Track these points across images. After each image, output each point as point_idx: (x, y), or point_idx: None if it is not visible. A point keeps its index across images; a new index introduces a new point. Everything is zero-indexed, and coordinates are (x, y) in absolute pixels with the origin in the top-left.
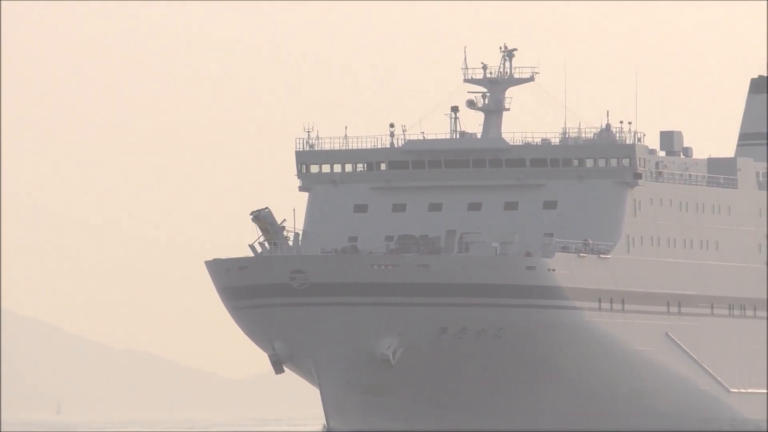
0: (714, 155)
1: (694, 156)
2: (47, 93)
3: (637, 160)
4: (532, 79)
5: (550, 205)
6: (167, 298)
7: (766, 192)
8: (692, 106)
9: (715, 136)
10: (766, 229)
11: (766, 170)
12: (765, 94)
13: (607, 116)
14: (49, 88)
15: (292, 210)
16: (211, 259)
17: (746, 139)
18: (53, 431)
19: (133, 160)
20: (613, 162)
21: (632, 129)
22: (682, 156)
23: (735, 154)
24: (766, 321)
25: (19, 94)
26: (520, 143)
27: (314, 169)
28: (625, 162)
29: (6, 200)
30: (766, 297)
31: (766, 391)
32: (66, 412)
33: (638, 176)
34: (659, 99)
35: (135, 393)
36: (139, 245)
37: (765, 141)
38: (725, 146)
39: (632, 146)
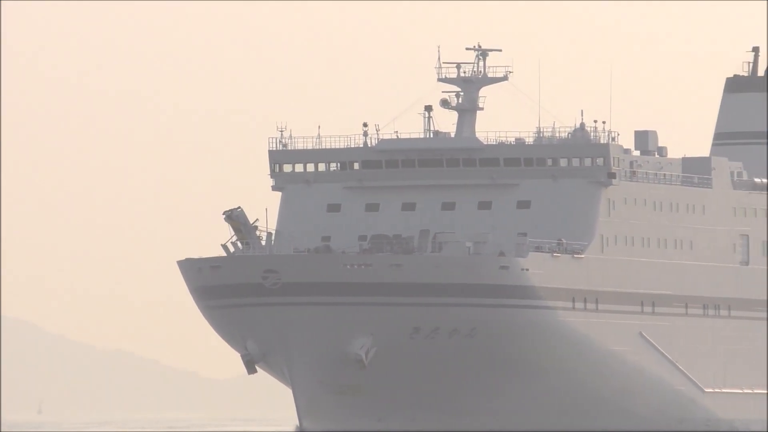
0: (689, 155)
1: (669, 156)
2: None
3: (611, 159)
4: (506, 78)
5: (523, 204)
6: (149, 298)
7: (740, 191)
8: (667, 106)
9: (690, 135)
10: (740, 228)
11: (741, 170)
12: (740, 94)
13: (582, 116)
14: (20, 87)
15: (265, 209)
16: (183, 258)
17: (721, 138)
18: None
19: (111, 161)
20: (587, 161)
21: (606, 128)
22: (656, 156)
23: (710, 154)
24: (740, 321)
25: None
26: (494, 143)
27: (287, 168)
28: (599, 161)
29: None
30: (740, 296)
31: (741, 391)
32: (47, 412)
33: (612, 176)
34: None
35: (117, 393)
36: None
37: (740, 141)
38: (700, 146)
39: (606, 146)
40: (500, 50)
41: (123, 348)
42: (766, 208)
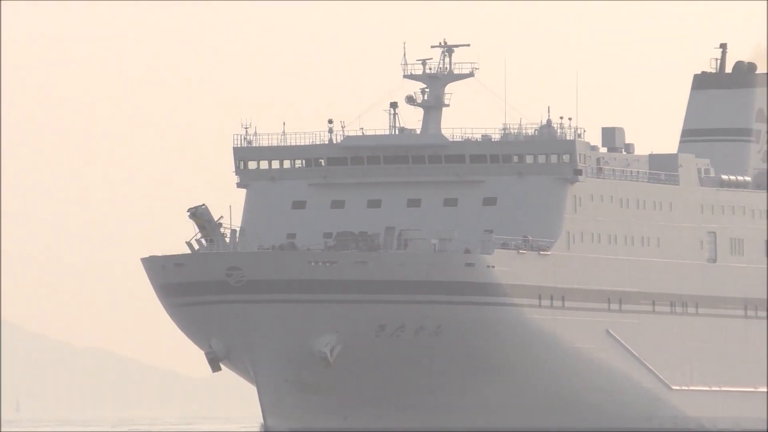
0: (657, 152)
1: (637, 153)
2: None
3: (578, 156)
4: (471, 74)
5: (489, 201)
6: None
7: (707, 188)
8: (635, 103)
9: (658, 132)
10: (707, 225)
11: (708, 166)
12: (708, 91)
13: (549, 112)
14: None
15: (229, 207)
16: (147, 256)
17: (689, 135)
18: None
19: (83, 159)
20: (554, 158)
21: (573, 125)
22: (624, 152)
23: (678, 151)
24: (708, 318)
25: None
26: (460, 139)
27: (252, 165)
28: (566, 158)
29: None
30: (707, 294)
31: (708, 388)
32: (25, 410)
33: (578, 172)
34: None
35: (94, 391)
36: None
37: (708, 137)
38: (668, 143)
39: (572, 142)
40: (468, 45)
41: (101, 346)
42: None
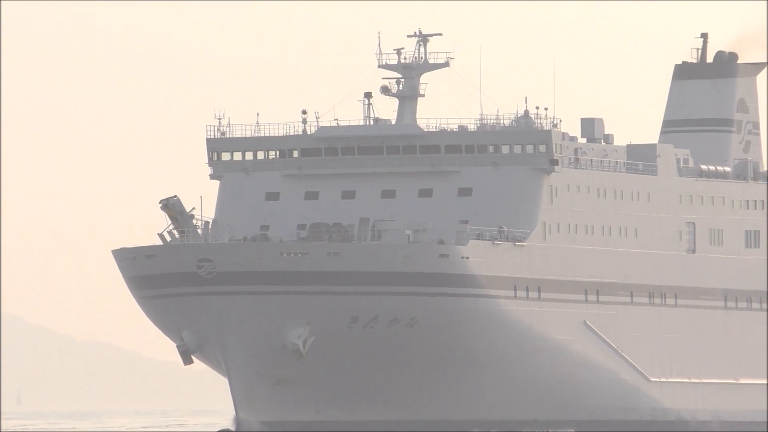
0: (636, 143)
1: (616, 143)
2: None
3: (554, 146)
4: (447, 64)
5: (465, 192)
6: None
7: (687, 179)
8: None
9: (638, 123)
10: (686, 216)
11: (687, 156)
12: (689, 81)
13: (526, 102)
14: None
15: (200, 197)
16: (118, 248)
17: (670, 126)
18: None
19: (64, 148)
20: (529, 148)
21: (548, 115)
22: (603, 143)
23: (659, 142)
24: (687, 309)
25: None
26: (436, 130)
27: (225, 156)
28: (542, 148)
29: None
30: (686, 285)
31: (687, 380)
32: (27, 402)
33: (554, 162)
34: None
35: (95, 383)
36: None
37: (689, 128)
38: (649, 134)
39: (548, 132)
40: (440, 34)
41: (102, 339)
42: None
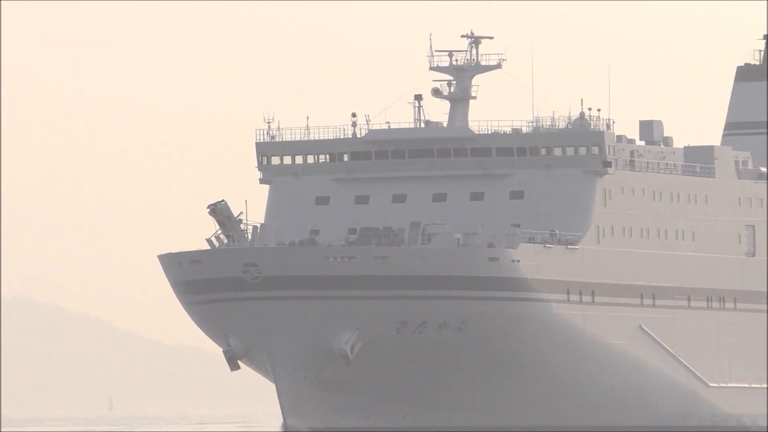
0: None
1: (675, 146)
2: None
3: (606, 147)
4: (499, 66)
5: (516, 195)
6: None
7: (745, 181)
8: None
9: (700, 126)
10: (745, 218)
11: (747, 159)
12: (751, 83)
13: (581, 104)
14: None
15: (245, 202)
16: (165, 253)
17: (732, 128)
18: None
19: (104, 157)
20: (582, 150)
21: (602, 116)
22: (661, 146)
23: (721, 144)
24: (746, 314)
25: None
26: (488, 132)
27: (275, 160)
28: (594, 150)
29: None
30: (745, 288)
31: (747, 385)
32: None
33: (608, 164)
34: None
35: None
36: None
37: (751, 131)
38: (711, 136)
39: (601, 133)
40: (492, 37)
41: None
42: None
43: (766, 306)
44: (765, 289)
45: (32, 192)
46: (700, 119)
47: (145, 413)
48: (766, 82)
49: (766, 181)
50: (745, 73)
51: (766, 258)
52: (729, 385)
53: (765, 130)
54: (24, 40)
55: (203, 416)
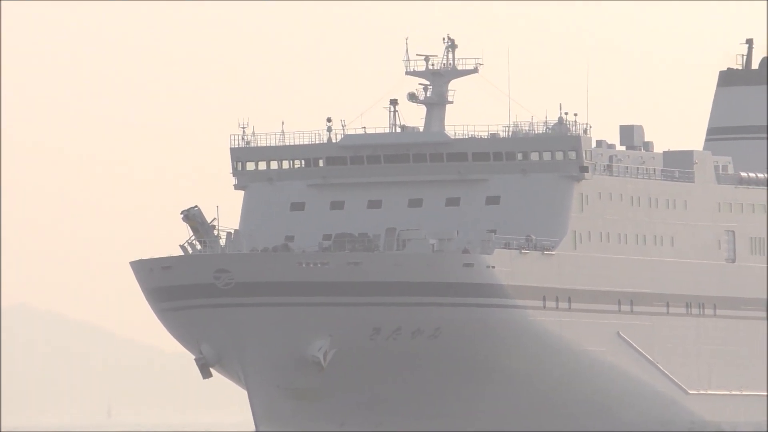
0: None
1: (656, 151)
2: None
3: (583, 152)
4: (476, 70)
5: (493, 200)
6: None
7: (725, 186)
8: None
9: (682, 131)
10: (725, 224)
11: (728, 164)
12: (734, 87)
13: (560, 109)
14: None
15: (216, 207)
16: (136, 259)
17: (715, 133)
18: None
19: (84, 157)
20: (559, 155)
21: (579, 121)
22: (642, 150)
23: (703, 149)
24: (727, 320)
25: None
26: (464, 137)
27: (250, 166)
28: (571, 155)
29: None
30: (725, 295)
31: (728, 392)
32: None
33: (584, 169)
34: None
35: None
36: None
37: (734, 135)
38: (691, 141)
39: (578, 138)
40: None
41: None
42: (766, 203)
43: (745, 312)
44: (745, 295)
45: (32, 199)
46: (682, 124)
47: (144, 420)
48: (766, 87)
49: (766, 188)
50: (727, 78)
51: (749, 264)
52: (708, 392)
53: (748, 135)
54: None
55: (208, 425)
